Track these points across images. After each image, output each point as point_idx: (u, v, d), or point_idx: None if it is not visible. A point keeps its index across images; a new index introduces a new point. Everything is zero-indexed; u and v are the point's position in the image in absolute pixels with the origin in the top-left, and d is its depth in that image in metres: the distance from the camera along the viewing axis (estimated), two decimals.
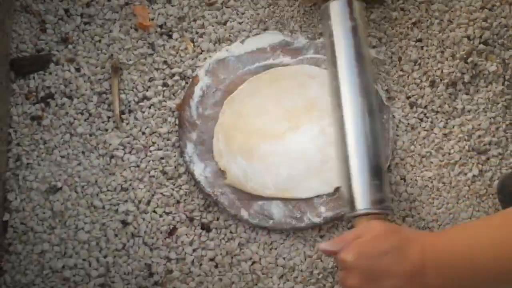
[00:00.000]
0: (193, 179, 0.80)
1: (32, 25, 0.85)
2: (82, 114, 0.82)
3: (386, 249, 0.64)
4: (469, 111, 0.86)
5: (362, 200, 0.73)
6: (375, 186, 0.73)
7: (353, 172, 0.74)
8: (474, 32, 0.88)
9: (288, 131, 0.82)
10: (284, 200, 0.80)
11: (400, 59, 0.88)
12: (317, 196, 0.80)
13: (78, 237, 0.78)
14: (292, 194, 0.79)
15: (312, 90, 0.84)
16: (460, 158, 0.84)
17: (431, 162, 0.84)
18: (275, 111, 0.83)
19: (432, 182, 0.83)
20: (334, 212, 0.80)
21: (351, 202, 0.74)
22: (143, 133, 0.82)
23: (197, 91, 0.83)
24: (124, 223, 0.79)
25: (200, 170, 0.80)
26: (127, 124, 0.83)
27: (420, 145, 0.85)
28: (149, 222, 0.79)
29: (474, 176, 0.83)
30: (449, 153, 0.84)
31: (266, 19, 0.89)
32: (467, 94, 0.87)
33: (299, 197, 0.79)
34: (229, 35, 0.87)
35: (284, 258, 0.79)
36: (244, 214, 0.79)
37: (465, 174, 0.84)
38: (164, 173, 0.81)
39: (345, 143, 0.76)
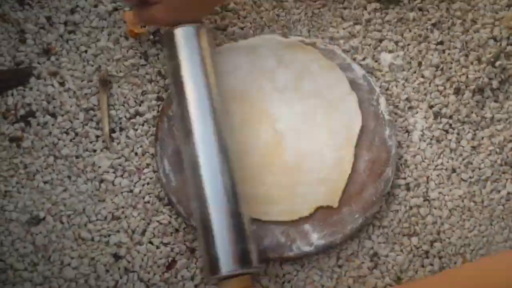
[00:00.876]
0: (168, 201, 0.73)
1: (10, 35, 0.79)
2: (67, 133, 0.76)
3: None
4: (499, 120, 0.80)
5: (226, 260, 0.65)
6: (239, 242, 0.66)
7: (214, 229, 0.66)
8: (501, 33, 0.83)
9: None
10: (271, 226, 0.72)
11: (420, 64, 0.82)
12: (307, 222, 0.72)
13: (64, 275, 0.71)
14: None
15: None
16: (492, 174, 0.78)
17: (461, 179, 0.77)
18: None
19: (463, 201, 0.76)
20: (327, 240, 0.72)
21: (213, 263, 0.66)
22: (136, 154, 0.76)
23: None
24: (116, 257, 0.72)
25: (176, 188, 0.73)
26: (118, 143, 0.76)
27: (446, 159, 0.78)
28: (145, 255, 0.72)
29: (508, 193, 0.77)
30: (479, 168, 0.78)
31: (271, 23, 0.82)
32: (496, 101, 0.81)
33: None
34: (230, 41, 0.81)
35: None
36: None
37: (499, 191, 0.77)
38: (160, 198, 0.74)
39: (203, 199, 0.67)
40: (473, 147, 0.78)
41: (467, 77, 0.81)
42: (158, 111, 0.77)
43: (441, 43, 0.82)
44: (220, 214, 0.66)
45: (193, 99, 0.70)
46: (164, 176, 0.73)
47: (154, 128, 0.76)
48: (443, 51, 0.82)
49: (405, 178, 0.76)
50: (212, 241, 0.66)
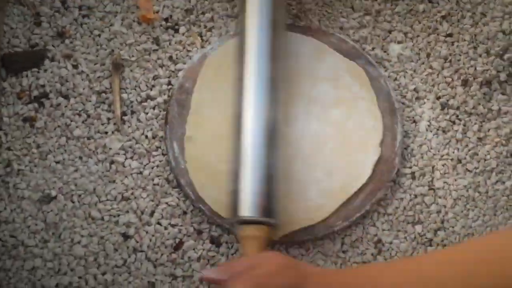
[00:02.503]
0: (177, 183, 0.74)
1: (26, 18, 0.80)
2: (79, 115, 0.77)
3: (282, 286, 0.60)
4: (505, 113, 0.80)
5: (250, 207, 0.67)
6: (265, 194, 0.67)
7: (244, 176, 0.67)
8: (510, 26, 0.83)
9: None
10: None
11: (428, 55, 0.82)
12: None
13: (74, 252, 0.72)
14: None
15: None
16: (497, 165, 0.78)
17: (466, 169, 0.78)
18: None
19: (467, 191, 0.77)
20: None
21: (236, 207, 0.67)
22: (146, 137, 0.77)
23: (188, 82, 0.77)
24: (125, 236, 0.73)
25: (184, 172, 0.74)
26: (129, 126, 0.77)
27: (452, 150, 0.78)
28: (153, 235, 0.73)
29: None
30: (485, 159, 0.78)
31: None
32: (503, 94, 0.81)
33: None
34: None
35: (307, 263, 0.72)
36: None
37: (503, 182, 0.77)
38: (169, 181, 0.75)
39: (240, 144, 0.69)
40: (479, 139, 0.79)
41: (475, 69, 0.81)
42: (168, 96, 0.78)
43: (450, 35, 0.83)
44: (254, 156, 0.68)
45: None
46: (173, 159, 0.74)
47: (164, 112, 0.77)
48: (452, 43, 0.82)
49: (410, 167, 0.77)
50: (239, 182, 0.67)
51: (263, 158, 0.68)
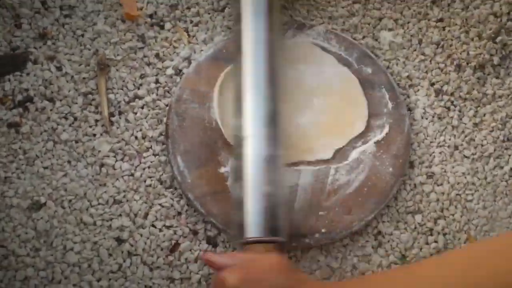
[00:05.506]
0: (186, 198, 0.72)
1: (6, 20, 0.77)
2: (66, 118, 0.74)
3: (274, 285, 0.60)
4: (500, 96, 0.79)
5: (254, 227, 0.65)
6: (271, 212, 0.65)
7: (247, 195, 0.66)
8: (501, 8, 0.82)
9: None
10: None
11: (420, 41, 0.81)
12: None
13: (67, 259, 0.70)
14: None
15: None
16: (495, 150, 0.77)
17: (464, 156, 0.77)
18: None
19: (466, 177, 0.76)
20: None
21: (242, 227, 0.65)
22: (136, 138, 0.75)
23: (186, 92, 0.75)
24: (119, 241, 0.71)
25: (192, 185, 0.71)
26: (118, 127, 0.75)
27: (449, 137, 0.77)
28: (148, 238, 0.71)
29: (511, 169, 0.76)
30: (482, 145, 0.77)
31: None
32: (497, 77, 0.80)
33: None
34: (228, 23, 0.79)
35: (304, 272, 0.70)
36: None
37: (502, 167, 0.77)
38: (161, 181, 0.73)
39: (242, 163, 0.67)
40: (475, 124, 0.78)
41: (467, 53, 0.80)
42: (157, 94, 0.76)
43: (441, 20, 0.81)
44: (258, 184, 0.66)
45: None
46: (179, 174, 0.71)
47: (154, 111, 0.75)
48: (443, 28, 0.81)
49: (409, 156, 0.76)
50: (242, 205, 0.66)
51: (264, 179, 0.66)
